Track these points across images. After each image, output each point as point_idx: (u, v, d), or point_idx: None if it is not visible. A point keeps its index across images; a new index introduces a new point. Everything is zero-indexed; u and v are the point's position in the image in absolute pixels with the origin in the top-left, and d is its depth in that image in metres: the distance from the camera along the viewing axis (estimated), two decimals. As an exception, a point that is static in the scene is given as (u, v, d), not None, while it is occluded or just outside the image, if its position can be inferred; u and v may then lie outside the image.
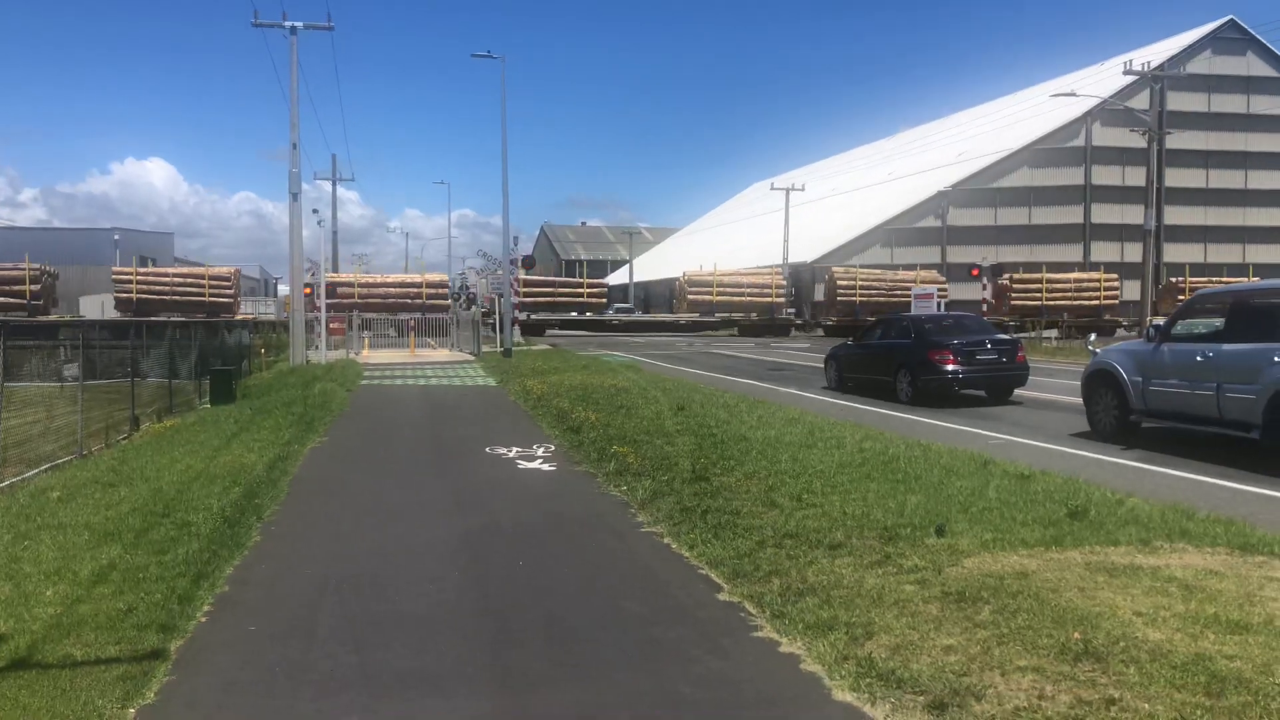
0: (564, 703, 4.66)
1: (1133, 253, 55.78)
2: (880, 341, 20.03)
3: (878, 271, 56.90)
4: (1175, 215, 62.93)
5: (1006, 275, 52.59)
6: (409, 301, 50.96)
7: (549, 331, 53.26)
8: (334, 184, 62.62)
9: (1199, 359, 11.60)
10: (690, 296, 55.86)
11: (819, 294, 59.51)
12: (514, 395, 19.81)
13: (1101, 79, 58.66)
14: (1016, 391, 18.60)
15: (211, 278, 53.50)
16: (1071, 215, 63.90)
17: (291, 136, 29.75)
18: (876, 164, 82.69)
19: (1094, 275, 55.92)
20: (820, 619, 5.50)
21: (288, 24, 29.57)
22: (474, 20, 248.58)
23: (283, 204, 31.84)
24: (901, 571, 6.18)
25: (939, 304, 42.49)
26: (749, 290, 56.70)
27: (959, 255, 60.36)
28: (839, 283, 54.66)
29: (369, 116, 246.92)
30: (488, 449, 12.77)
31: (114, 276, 51.59)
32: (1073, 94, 46.01)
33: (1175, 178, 62.55)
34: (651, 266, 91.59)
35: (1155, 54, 57.20)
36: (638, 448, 11.38)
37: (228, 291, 53.21)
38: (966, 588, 5.71)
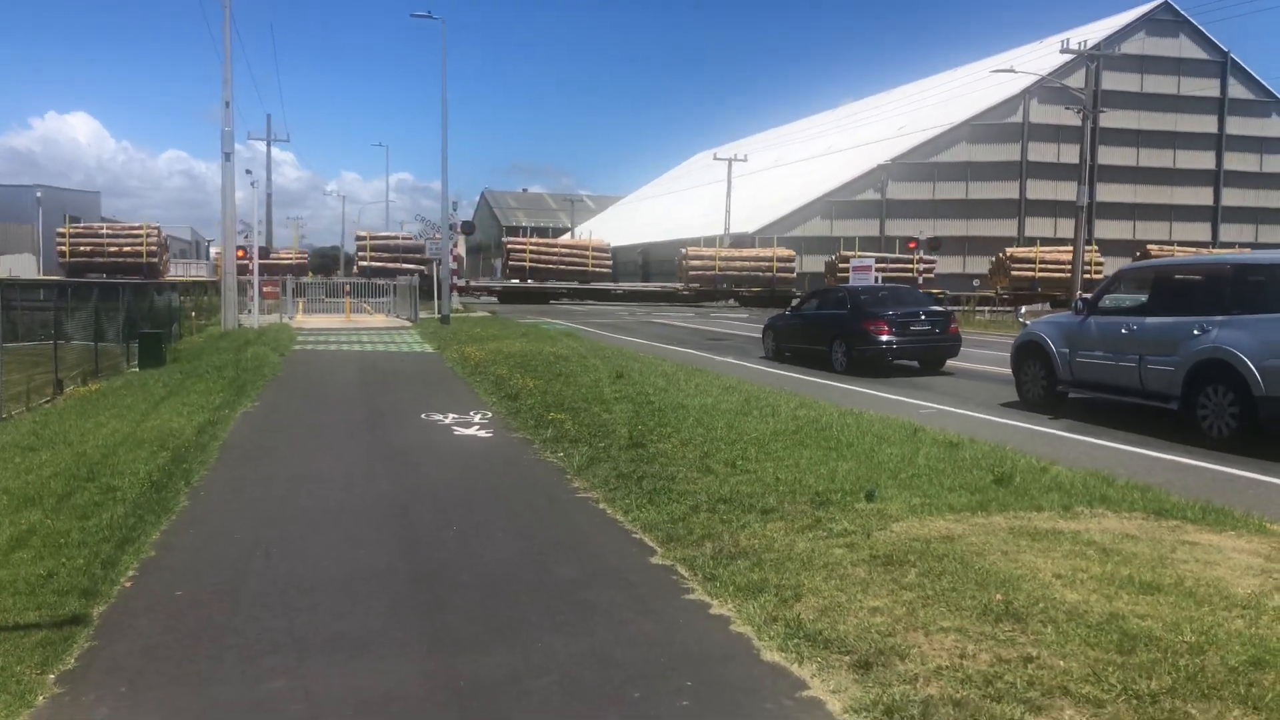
0: (493, 665, 4.67)
1: (1065, 228, 57.02)
2: (817, 312, 20.25)
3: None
4: (1107, 192, 64.37)
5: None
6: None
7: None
8: (269, 144, 61.31)
9: (1123, 332, 11.91)
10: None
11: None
12: (451, 362, 19.64)
13: (1040, 57, 59.49)
14: (949, 362, 18.94)
15: (595, 249, 56.62)
16: (1008, 191, 64.99)
17: (224, 94, 28.95)
18: (818, 136, 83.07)
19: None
20: (751, 581, 5.57)
21: (220, -23, 28.66)
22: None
23: (215, 164, 31.06)
24: (831, 535, 6.28)
25: (877, 277, 43.02)
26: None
27: (897, 229, 61.09)
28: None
29: (306, 77, 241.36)
30: (423, 415, 12.66)
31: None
32: (1011, 71, 46.61)
33: (1107, 156, 63.93)
34: (594, 235, 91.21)
35: (1092, 33, 58.14)
36: (575, 415, 11.38)
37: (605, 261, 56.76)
38: (894, 551, 5.82)
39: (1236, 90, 67.34)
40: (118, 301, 21.71)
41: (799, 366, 19.19)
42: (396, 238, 58.77)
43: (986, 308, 46.83)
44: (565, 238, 59.68)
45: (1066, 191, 54.67)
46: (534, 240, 57.70)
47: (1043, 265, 54.07)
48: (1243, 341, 10.20)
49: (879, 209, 63.60)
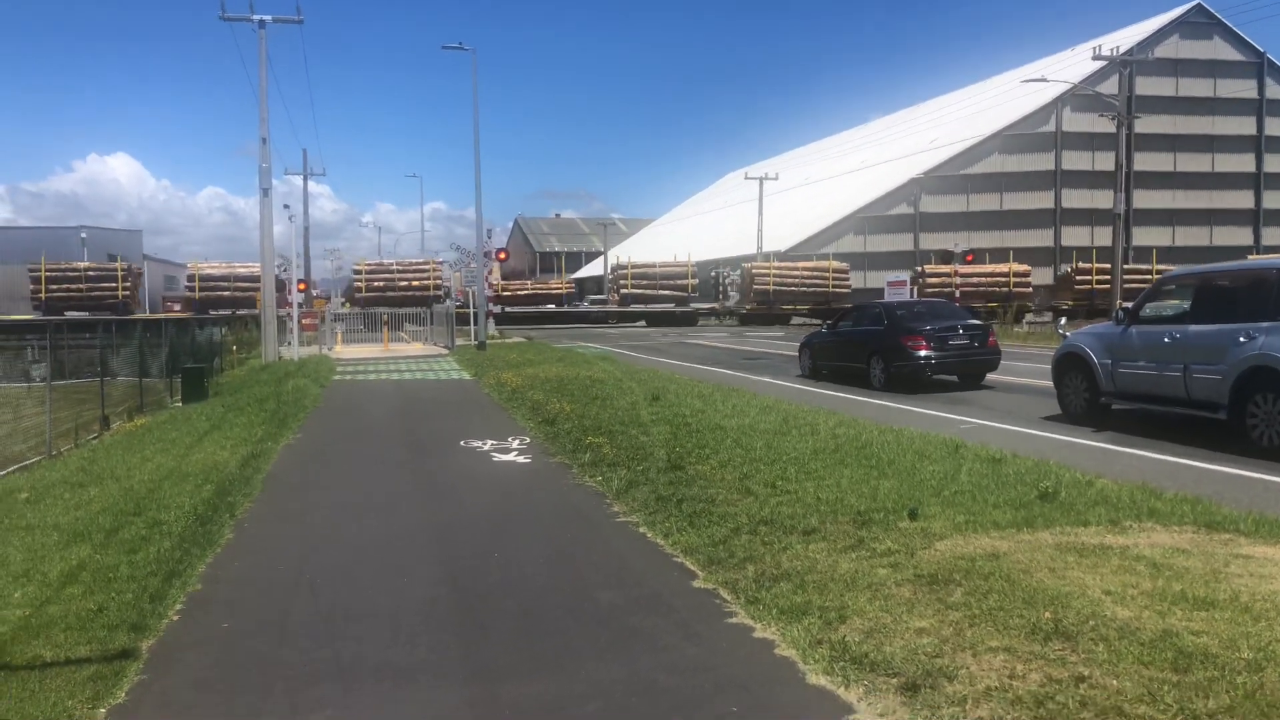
0: (537, 693, 4.66)
1: (1102, 236, 56.29)
2: (853, 329, 20.12)
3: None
4: (1144, 199, 63.56)
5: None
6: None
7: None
8: (305, 179, 62.00)
9: (1166, 340, 11.72)
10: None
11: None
12: (488, 389, 19.75)
13: (1071, 64, 59.06)
14: (989, 376, 18.73)
15: (835, 271, 55.38)
16: (1042, 200, 64.39)
17: (261, 131, 29.44)
18: (850, 152, 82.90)
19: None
20: (794, 604, 5.52)
21: (256, 17, 29.24)
22: (444, 11, 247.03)
23: (253, 199, 31.64)
24: (875, 555, 6.21)
25: (912, 291, 42.73)
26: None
27: (931, 242, 60.73)
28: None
29: (340, 110, 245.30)
30: (462, 442, 12.73)
31: None
32: (1043, 79, 46.29)
33: (1143, 162, 63.14)
34: (627, 258, 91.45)
35: (1124, 39, 57.63)
36: (613, 438, 11.38)
37: (845, 282, 55.54)
38: (939, 570, 5.75)
39: (1274, 91, 66.28)
40: (161, 338, 22.09)
41: (836, 384, 19.07)
42: (655, 265, 60.34)
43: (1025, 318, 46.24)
44: (802, 263, 58.17)
45: (1103, 199, 54.04)
46: (777, 264, 57.13)
47: None
48: (1291, 348, 9.99)
49: (913, 223, 63.25)
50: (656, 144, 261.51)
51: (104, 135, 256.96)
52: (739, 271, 60.51)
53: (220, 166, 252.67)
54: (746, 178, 71.31)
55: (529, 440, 12.75)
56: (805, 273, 56.64)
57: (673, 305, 57.73)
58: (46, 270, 51.67)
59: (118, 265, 53.66)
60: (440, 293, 53.56)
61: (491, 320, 40.11)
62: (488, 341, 34.37)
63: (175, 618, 5.95)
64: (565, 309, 59.96)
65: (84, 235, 62.01)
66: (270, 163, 29.55)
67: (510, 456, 11.63)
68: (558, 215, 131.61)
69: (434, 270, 55.61)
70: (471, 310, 38.81)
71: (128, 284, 52.90)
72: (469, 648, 5.33)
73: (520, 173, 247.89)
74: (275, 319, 30.63)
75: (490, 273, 42.81)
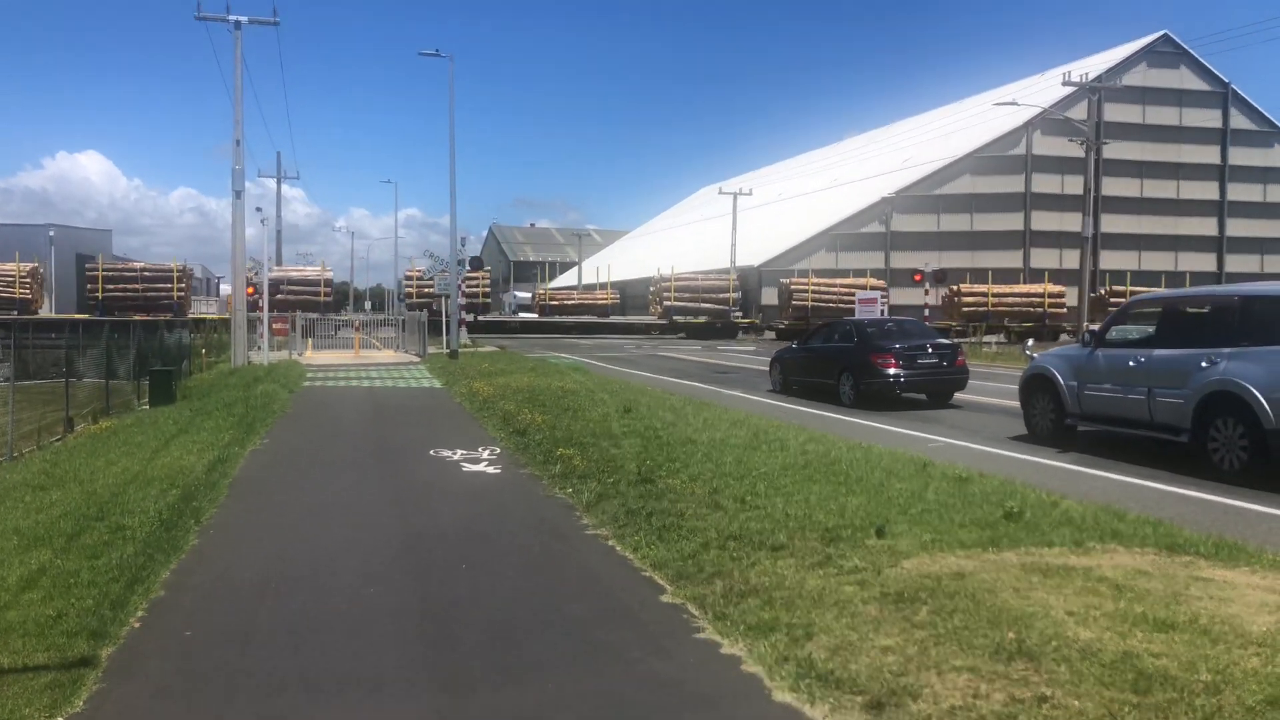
0: (505, 705, 4.65)
1: (1071, 260, 56.99)
2: (824, 345, 20.25)
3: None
4: (1111, 224, 64.50)
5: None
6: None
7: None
8: (279, 181, 61.75)
9: (1131, 364, 11.89)
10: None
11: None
12: (459, 397, 19.67)
13: (1042, 89, 59.90)
14: (956, 395, 18.90)
15: (871, 289, 53.37)
16: (1012, 222, 65.13)
17: (235, 133, 29.25)
18: (822, 170, 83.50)
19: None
20: (762, 620, 5.54)
21: (232, 18, 29.06)
22: (422, 17, 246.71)
23: (226, 201, 31.37)
24: (842, 573, 6.25)
25: (883, 309, 43.05)
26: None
27: (902, 261, 61.18)
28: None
29: (315, 114, 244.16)
30: (432, 451, 12.67)
31: None
32: (1014, 103, 46.93)
33: (1111, 187, 64.11)
34: (601, 269, 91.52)
35: (1093, 66, 58.56)
36: (584, 450, 11.37)
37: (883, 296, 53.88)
38: (905, 588, 5.79)
39: (1238, 121, 67.55)
40: (129, 339, 21.81)
41: (806, 400, 19.17)
42: (697, 278, 60.89)
43: (993, 339, 46.78)
44: (839, 279, 58.26)
45: (1071, 223, 54.71)
46: (815, 280, 57.76)
47: None
48: (1252, 373, 10.17)
49: (884, 241, 63.74)
50: (632, 157, 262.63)
51: (74, 133, 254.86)
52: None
53: (193, 167, 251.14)
54: (720, 192, 71.69)
55: (499, 450, 12.71)
56: (843, 289, 57.36)
57: (713, 318, 58.49)
58: (104, 270, 52.18)
59: (173, 266, 53.98)
60: (489, 300, 55.57)
61: (464, 329, 39.96)
62: (460, 350, 34.24)
63: (136, 625, 5.87)
64: (610, 320, 60.44)
65: (52, 233, 61.18)
66: (244, 165, 29.38)
67: (480, 467, 11.59)
68: (532, 225, 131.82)
69: (483, 279, 57.13)
70: (444, 318, 38.67)
71: (182, 284, 53.18)
72: (437, 659, 5.30)
73: (496, 180, 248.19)
74: (245, 322, 30.36)
75: (463, 280, 42.68)
